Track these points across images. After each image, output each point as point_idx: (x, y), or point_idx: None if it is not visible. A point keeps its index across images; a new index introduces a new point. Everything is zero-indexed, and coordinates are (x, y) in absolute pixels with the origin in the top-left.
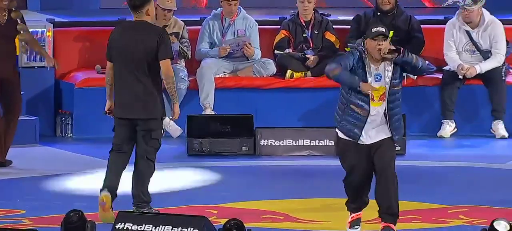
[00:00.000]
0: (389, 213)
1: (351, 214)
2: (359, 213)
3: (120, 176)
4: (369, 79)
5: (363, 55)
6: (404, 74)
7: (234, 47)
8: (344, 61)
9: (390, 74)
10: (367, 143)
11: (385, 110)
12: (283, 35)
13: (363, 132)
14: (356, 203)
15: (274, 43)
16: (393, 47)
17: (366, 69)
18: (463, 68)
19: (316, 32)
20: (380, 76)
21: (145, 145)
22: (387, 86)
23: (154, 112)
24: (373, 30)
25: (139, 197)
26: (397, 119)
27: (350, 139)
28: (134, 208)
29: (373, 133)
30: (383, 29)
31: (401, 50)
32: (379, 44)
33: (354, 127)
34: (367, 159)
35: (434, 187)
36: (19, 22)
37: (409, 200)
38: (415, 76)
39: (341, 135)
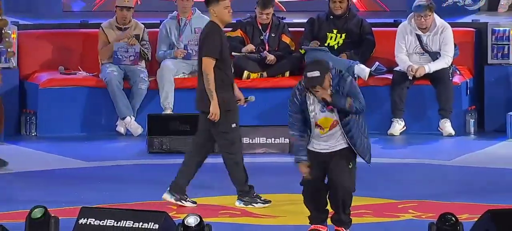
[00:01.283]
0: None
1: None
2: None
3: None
4: (312, 113)
5: (303, 90)
6: (356, 75)
7: (192, 47)
8: (292, 117)
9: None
10: (319, 151)
11: (341, 133)
12: (237, 34)
13: (314, 143)
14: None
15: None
16: (326, 98)
17: (308, 103)
18: (413, 69)
19: (273, 35)
20: (325, 111)
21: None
22: (336, 117)
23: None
24: (307, 78)
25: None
26: (360, 143)
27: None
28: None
29: (324, 144)
30: (315, 77)
31: (330, 107)
32: (314, 91)
33: (299, 152)
34: (320, 163)
35: (385, 182)
36: (4, 31)
37: (361, 195)
38: (366, 78)
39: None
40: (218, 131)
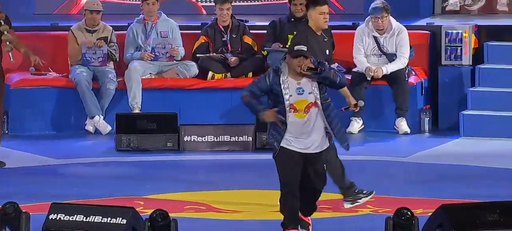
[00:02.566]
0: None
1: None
2: None
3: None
4: (286, 95)
5: (279, 72)
6: None
7: (160, 50)
8: (255, 86)
9: (317, 90)
10: (296, 150)
11: (318, 125)
12: (202, 41)
13: (283, 142)
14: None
15: (194, 49)
16: (311, 65)
17: (282, 86)
18: (371, 70)
19: (234, 36)
20: (302, 90)
21: None
22: (318, 101)
23: None
24: (295, 48)
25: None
26: (339, 128)
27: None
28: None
29: (303, 140)
30: (304, 48)
31: (318, 69)
32: (300, 62)
33: (274, 140)
34: (298, 161)
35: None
36: (2, 23)
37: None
38: None
39: (271, 145)
40: None
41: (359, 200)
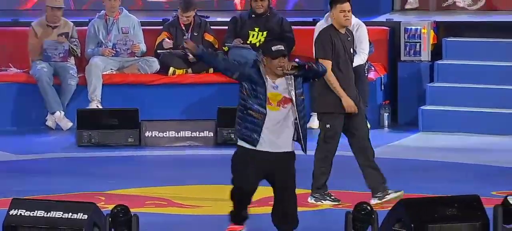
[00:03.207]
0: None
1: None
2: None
3: None
4: (267, 84)
5: (258, 63)
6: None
7: (121, 46)
8: (239, 65)
9: (293, 87)
10: (267, 150)
11: (288, 122)
12: (164, 37)
13: (262, 136)
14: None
15: (156, 44)
16: (295, 64)
17: (265, 78)
18: None
19: (195, 34)
20: (276, 87)
21: None
22: (293, 98)
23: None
24: (274, 49)
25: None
26: (305, 128)
27: (248, 145)
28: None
29: (274, 140)
30: (282, 47)
31: (306, 66)
32: (280, 63)
33: (253, 132)
34: (261, 167)
35: (304, 174)
36: None
37: None
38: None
39: (240, 142)
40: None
41: (323, 201)
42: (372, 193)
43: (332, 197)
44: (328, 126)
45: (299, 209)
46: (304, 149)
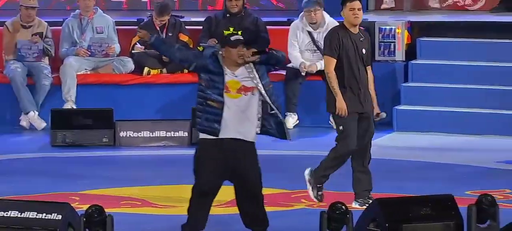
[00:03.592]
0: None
1: None
2: None
3: None
4: (226, 77)
5: (216, 53)
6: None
7: (96, 48)
8: (196, 56)
9: (258, 79)
10: (231, 137)
11: (249, 111)
12: (139, 38)
13: (223, 124)
14: (195, 223)
15: (132, 45)
16: (255, 49)
17: (223, 69)
18: (305, 66)
19: (170, 34)
20: (236, 76)
21: None
22: (262, 90)
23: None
24: (232, 38)
25: None
26: (280, 110)
27: (210, 136)
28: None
29: (238, 127)
30: (241, 37)
31: (267, 50)
32: (240, 52)
33: (213, 122)
34: (224, 162)
35: (279, 173)
36: None
37: None
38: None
39: (202, 135)
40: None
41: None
42: (355, 196)
43: (320, 194)
44: (341, 127)
45: (274, 208)
46: (287, 135)
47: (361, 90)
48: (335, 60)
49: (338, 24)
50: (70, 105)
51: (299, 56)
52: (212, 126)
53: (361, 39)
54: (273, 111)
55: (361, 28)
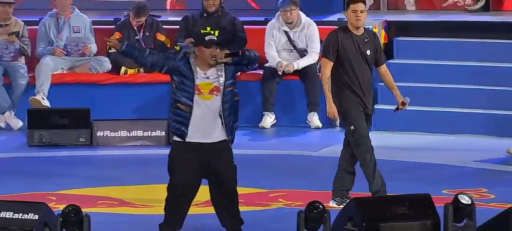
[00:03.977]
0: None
1: None
2: None
3: None
4: (197, 81)
5: (187, 54)
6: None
7: (72, 47)
8: (163, 55)
9: (223, 77)
10: (198, 141)
11: (220, 111)
12: (117, 37)
13: (190, 128)
14: (171, 223)
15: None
16: (228, 51)
17: (192, 66)
18: (282, 65)
19: (147, 34)
20: (208, 77)
21: None
22: (221, 88)
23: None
24: (207, 38)
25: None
26: (231, 119)
27: (180, 139)
28: None
29: (207, 129)
30: (215, 38)
31: (240, 52)
32: (213, 53)
33: (181, 124)
34: (199, 161)
35: (256, 173)
36: None
37: None
38: (239, 73)
39: (174, 137)
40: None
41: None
42: (333, 195)
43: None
44: (352, 127)
45: (251, 208)
46: (230, 141)
47: (363, 91)
48: (332, 63)
49: (313, 23)
50: (41, 97)
51: (276, 56)
52: (180, 129)
53: (365, 40)
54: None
55: (368, 29)
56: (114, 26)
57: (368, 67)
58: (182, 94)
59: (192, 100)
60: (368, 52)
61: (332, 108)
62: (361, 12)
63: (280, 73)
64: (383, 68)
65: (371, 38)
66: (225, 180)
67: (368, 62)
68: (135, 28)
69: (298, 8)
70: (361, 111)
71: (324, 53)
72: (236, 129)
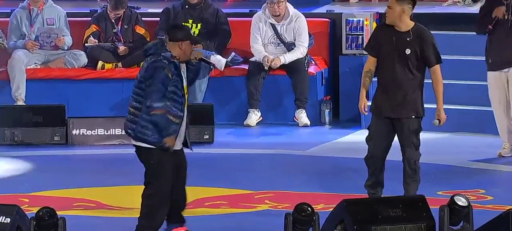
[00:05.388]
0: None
1: None
2: None
3: None
4: (185, 83)
5: (174, 59)
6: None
7: (44, 39)
8: (163, 88)
9: (187, 75)
10: (177, 148)
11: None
12: (93, 30)
13: (177, 140)
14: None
15: (85, 37)
16: (202, 56)
17: (181, 71)
18: (268, 60)
19: (126, 27)
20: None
21: None
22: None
23: None
24: (195, 37)
25: None
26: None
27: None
28: None
29: (181, 136)
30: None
31: (211, 60)
32: (194, 52)
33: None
34: (173, 162)
35: (241, 173)
36: None
37: (217, 186)
38: (222, 68)
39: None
40: None
41: None
42: None
43: None
44: (369, 125)
45: (236, 210)
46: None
47: (397, 93)
48: (372, 57)
49: (302, 16)
50: (20, 104)
51: (262, 50)
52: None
53: (408, 38)
54: None
55: (420, 26)
56: (90, 18)
57: (405, 67)
58: (173, 105)
59: (183, 111)
60: (408, 51)
61: (361, 102)
62: (390, 7)
63: (266, 68)
64: (432, 70)
65: (417, 37)
66: (185, 168)
67: (407, 61)
68: (113, 21)
69: (286, 0)
70: (380, 115)
71: (365, 47)
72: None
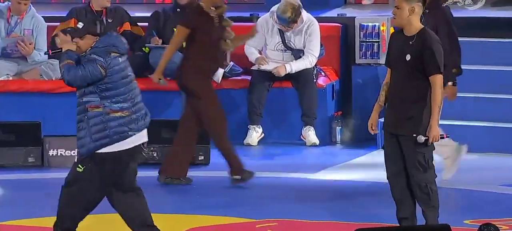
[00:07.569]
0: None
1: None
2: None
3: None
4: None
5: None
6: None
7: (12, 47)
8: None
9: None
10: None
11: None
12: (71, 24)
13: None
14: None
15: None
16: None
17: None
18: (260, 61)
19: (110, 21)
20: None
21: None
22: None
23: None
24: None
25: None
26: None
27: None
28: None
29: None
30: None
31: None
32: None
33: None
34: None
35: (241, 199)
36: None
37: (215, 214)
38: (220, 80)
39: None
40: None
41: None
42: None
43: None
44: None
45: None
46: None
47: (399, 106)
48: (389, 69)
49: (315, 21)
50: None
51: (255, 52)
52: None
53: (410, 42)
54: None
55: (427, 30)
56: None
57: (407, 76)
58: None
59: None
60: (408, 57)
61: (370, 120)
62: (397, 7)
63: (258, 67)
64: (430, 80)
65: (420, 40)
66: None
67: (408, 69)
68: (96, 13)
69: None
70: (386, 131)
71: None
72: None
